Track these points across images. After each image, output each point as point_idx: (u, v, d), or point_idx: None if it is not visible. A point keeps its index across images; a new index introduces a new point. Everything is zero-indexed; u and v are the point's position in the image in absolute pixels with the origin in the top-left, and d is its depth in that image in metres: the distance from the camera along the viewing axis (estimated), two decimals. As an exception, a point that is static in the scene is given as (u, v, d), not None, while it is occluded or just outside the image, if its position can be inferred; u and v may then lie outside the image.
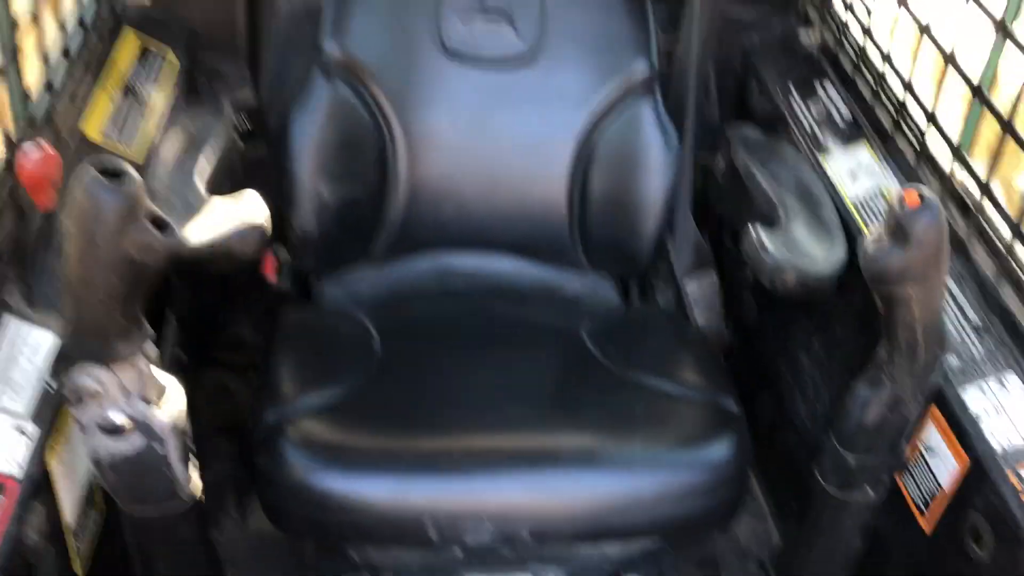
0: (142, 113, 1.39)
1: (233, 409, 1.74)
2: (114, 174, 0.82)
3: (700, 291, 1.54)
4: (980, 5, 1.25)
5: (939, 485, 1.16)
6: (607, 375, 1.39)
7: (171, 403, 0.97)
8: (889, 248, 0.94)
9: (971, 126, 1.32)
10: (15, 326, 1.02)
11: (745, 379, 1.69)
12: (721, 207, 1.65)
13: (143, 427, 0.94)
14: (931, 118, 1.35)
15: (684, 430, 1.28)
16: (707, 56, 1.70)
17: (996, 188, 1.24)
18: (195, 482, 1.03)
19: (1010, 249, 1.20)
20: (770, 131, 1.63)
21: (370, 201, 1.55)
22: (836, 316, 1.41)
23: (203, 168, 1.32)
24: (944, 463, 1.15)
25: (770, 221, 1.39)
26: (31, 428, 0.96)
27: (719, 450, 1.24)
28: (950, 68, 1.31)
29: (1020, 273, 1.18)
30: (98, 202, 0.80)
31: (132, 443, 0.94)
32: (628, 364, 1.40)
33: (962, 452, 1.12)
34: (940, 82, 1.33)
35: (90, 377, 0.90)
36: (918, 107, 1.39)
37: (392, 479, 1.17)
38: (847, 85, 1.57)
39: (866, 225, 1.36)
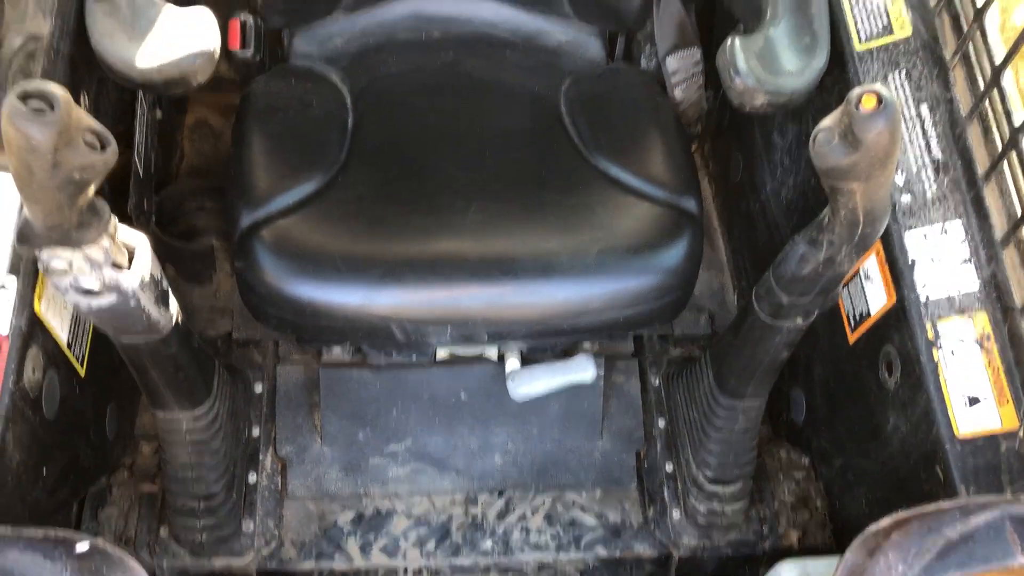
0: None
1: (214, 149, 1.79)
2: (41, 97, 0.80)
3: (681, 66, 1.49)
4: None
5: (868, 310, 1.24)
6: (574, 159, 1.40)
7: (139, 261, 1.03)
8: (839, 146, 0.93)
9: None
10: (-21, 175, 1.04)
11: (723, 139, 1.70)
12: None
13: (114, 288, 1.00)
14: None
15: (640, 235, 1.32)
16: None
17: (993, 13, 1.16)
18: (172, 313, 1.12)
19: (990, 85, 1.16)
20: None
21: None
22: (811, 112, 1.38)
23: None
24: (876, 293, 1.23)
25: (755, 10, 1.31)
26: (12, 281, 1.03)
27: (672, 256, 1.30)
28: None
29: (992, 114, 1.16)
30: (26, 135, 0.80)
31: (107, 299, 1.01)
32: (597, 145, 1.41)
33: (892, 290, 1.19)
34: None
35: (57, 258, 0.95)
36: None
37: (360, 288, 1.25)
38: None
39: (856, 26, 1.29)
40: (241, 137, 1.37)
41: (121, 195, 1.36)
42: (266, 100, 1.43)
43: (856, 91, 0.90)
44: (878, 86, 0.89)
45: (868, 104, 0.89)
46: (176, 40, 1.13)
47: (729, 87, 1.22)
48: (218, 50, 1.16)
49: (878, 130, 0.90)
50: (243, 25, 1.43)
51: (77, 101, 1.17)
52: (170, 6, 1.17)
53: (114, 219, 0.97)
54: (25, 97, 0.80)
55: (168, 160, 1.70)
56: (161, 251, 1.52)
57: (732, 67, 1.21)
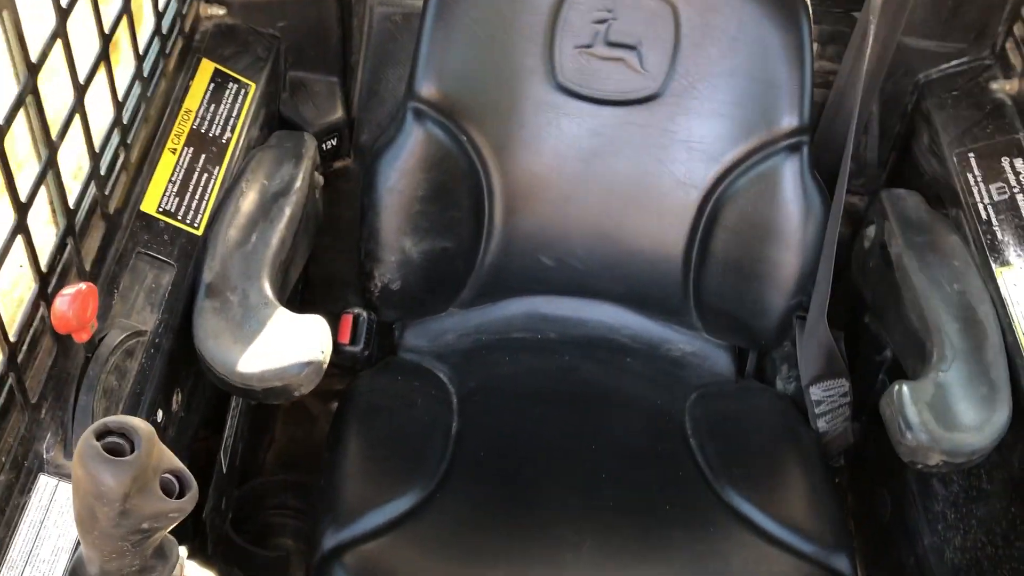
0: (210, 167, 1.24)
1: (308, 436, 1.68)
2: (122, 434, 0.69)
3: (826, 396, 1.34)
4: None
5: None
6: (702, 490, 1.24)
7: None
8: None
9: None
10: (51, 486, 0.93)
11: (867, 470, 1.51)
12: (863, 286, 1.42)
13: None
14: None
15: None
16: (872, 94, 1.42)
17: None
18: None
19: None
20: (935, 201, 1.36)
21: (461, 253, 1.39)
22: (985, 467, 1.20)
23: (275, 244, 1.18)
24: None
25: (919, 351, 1.17)
26: None
27: None
28: None
29: None
30: (96, 479, 0.68)
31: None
32: (729, 476, 1.24)
33: None
34: None
35: (110, 602, 0.81)
36: None
37: None
38: None
39: (1041, 375, 1.13)
40: (337, 441, 1.25)
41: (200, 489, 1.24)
42: (368, 398, 1.32)
43: None
44: None
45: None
46: (284, 347, 1.05)
47: (899, 443, 1.06)
48: (327, 362, 1.07)
49: None
50: (355, 319, 1.36)
51: (170, 401, 1.08)
52: (284, 310, 1.10)
53: (183, 560, 0.83)
54: (103, 434, 0.69)
55: (256, 447, 1.60)
56: (231, 555, 1.37)
57: (902, 420, 1.05)
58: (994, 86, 1.40)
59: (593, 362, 1.45)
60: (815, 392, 1.34)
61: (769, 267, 1.36)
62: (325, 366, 1.07)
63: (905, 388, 1.09)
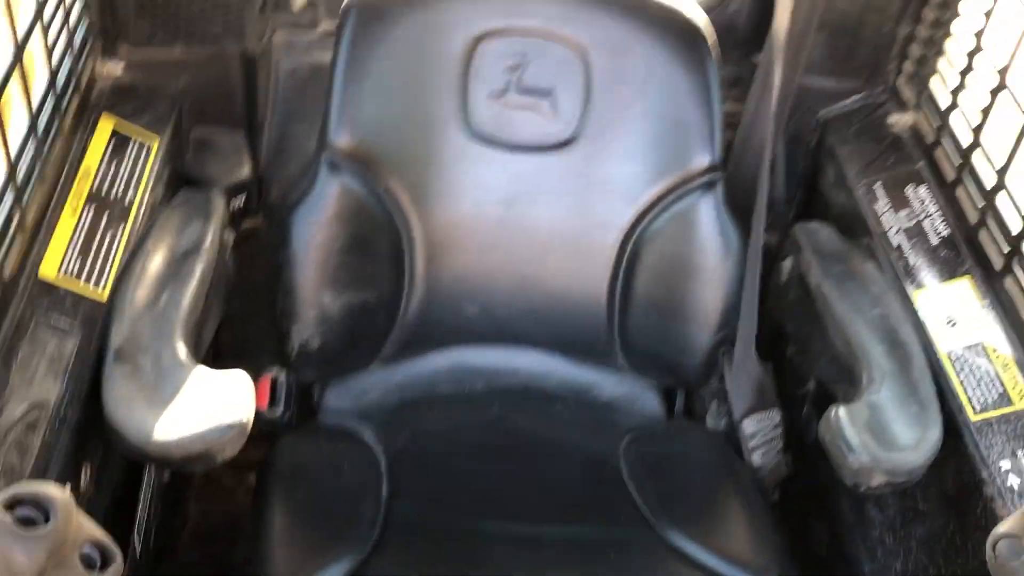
0: (113, 228, 1.17)
1: (224, 512, 1.58)
2: (35, 503, 0.62)
3: (759, 428, 1.34)
4: None
5: None
6: (644, 533, 1.21)
7: None
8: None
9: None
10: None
11: (799, 503, 1.51)
12: (783, 320, 1.43)
13: None
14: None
15: None
16: (778, 131, 1.46)
17: None
18: None
19: None
20: (846, 232, 1.40)
21: (382, 306, 1.35)
22: (919, 488, 1.21)
23: (187, 304, 1.12)
24: None
25: (847, 375, 1.18)
26: None
27: None
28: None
29: None
30: (7, 556, 0.61)
31: None
32: (670, 516, 1.22)
33: None
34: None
35: None
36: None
37: None
38: (946, 192, 1.33)
39: (965, 392, 1.15)
40: (260, 512, 1.18)
41: None
42: (292, 466, 1.25)
43: None
44: None
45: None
46: (204, 408, 0.98)
47: (842, 465, 1.06)
48: (251, 421, 1.00)
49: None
50: (274, 382, 1.30)
51: (78, 476, 0.99)
52: (202, 368, 1.03)
53: None
54: (13, 504, 0.62)
55: (171, 525, 1.49)
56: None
57: (843, 443, 1.05)
58: (891, 120, 1.46)
59: (523, 412, 1.42)
60: (748, 425, 1.33)
61: (692, 304, 1.36)
62: (250, 426, 1.00)
63: (842, 411, 1.09)
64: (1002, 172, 1.21)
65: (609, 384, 1.45)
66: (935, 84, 1.39)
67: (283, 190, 1.47)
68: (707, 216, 1.33)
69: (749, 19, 1.48)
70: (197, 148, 1.40)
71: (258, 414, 1.27)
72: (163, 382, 1.02)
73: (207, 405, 0.99)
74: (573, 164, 1.35)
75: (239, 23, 1.35)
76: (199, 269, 1.17)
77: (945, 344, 1.19)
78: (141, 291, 1.11)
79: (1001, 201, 1.22)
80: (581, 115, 1.32)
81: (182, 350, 1.05)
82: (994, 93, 1.24)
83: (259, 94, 1.43)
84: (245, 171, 1.43)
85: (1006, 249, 1.20)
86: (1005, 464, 1.08)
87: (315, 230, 1.27)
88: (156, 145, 1.28)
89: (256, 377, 1.29)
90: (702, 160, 1.31)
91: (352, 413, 1.38)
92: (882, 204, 1.36)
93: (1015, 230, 1.18)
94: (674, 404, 1.46)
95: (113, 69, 1.31)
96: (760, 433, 1.34)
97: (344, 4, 1.26)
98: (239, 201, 1.44)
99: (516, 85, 1.32)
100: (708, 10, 1.37)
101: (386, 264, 1.33)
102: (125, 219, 1.18)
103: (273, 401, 1.29)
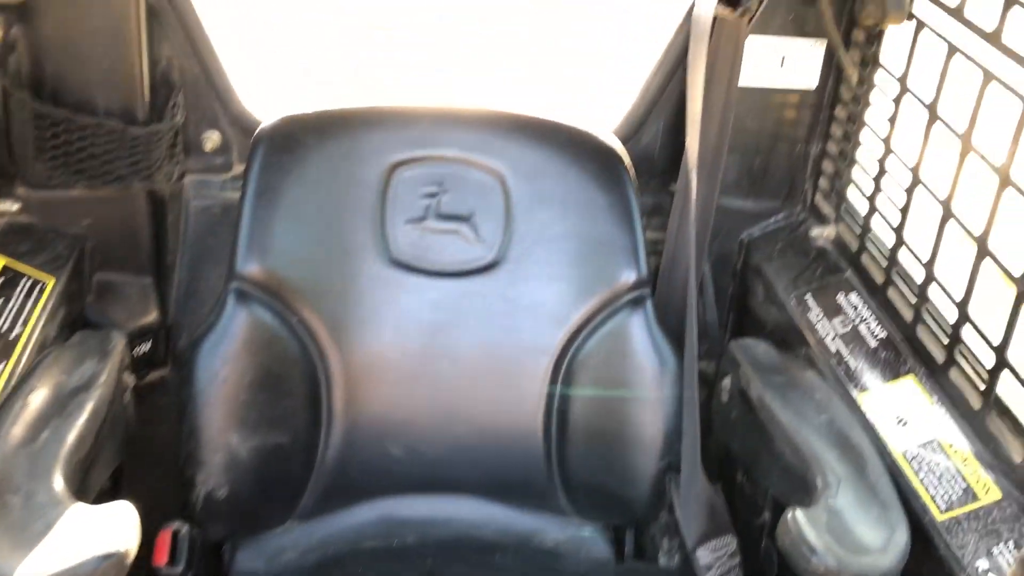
0: None
1: None
2: None
3: (715, 559, 1.22)
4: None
5: None
6: None
7: None
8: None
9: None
10: None
11: None
12: (730, 441, 1.36)
13: None
14: (999, 350, 1.08)
15: None
16: (702, 254, 1.44)
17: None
18: None
19: None
20: (782, 345, 1.35)
21: (297, 449, 1.24)
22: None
23: (71, 441, 1.00)
24: None
25: (801, 484, 1.10)
26: None
27: None
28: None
29: None
30: None
31: None
32: None
33: None
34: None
35: None
36: (978, 335, 1.12)
37: None
38: (877, 296, 1.31)
39: (927, 491, 1.07)
40: None
41: None
42: None
43: None
44: None
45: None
46: (77, 543, 0.85)
47: (806, 570, 0.95)
48: (132, 553, 0.87)
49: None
50: (175, 535, 1.16)
51: None
52: (82, 505, 0.91)
53: None
54: None
55: None
56: None
57: (804, 546, 0.95)
58: (813, 234, 1.45)
59: (460, 565, 1.29)
60: (703, 556, 1.22)
61: (632, 430, 1.29)
62: (130, 559, 0.87)
63: (799, 513, 1.00)
64: (930, 265, 1.19)
65: (552, 529, 1.34)
66: (852, 193, 1.40)
67: (193, 337, 1.39)
68: (639, 334, 1.28)
69: (663, 149, 1.50)
70: (100, 291, 1.32)
71: (156, 571, 1.13)
72: (33, 521, 0.89)
73: (82, 539, 0.86)
74: (498, 288, 1.30)
75: (146, 164, 1.32)
76: (89, 407, 1.06)
77: (899, 444, 1.12)
78: (18, 428, 1.00)
79: (934, 293, 1.20)
80: (503, 238, 1.29)
81: (60, 486, 0.93)
82: (909, 191, 1.24)
83: (168, 236, 1.37)
84: (152, 316, 1.35)
85: (946, 341, 1.16)
86: (983, 564, 0.98)
87: (221, 364, 1.18)
88: (51, 284, 1.20)
89: (155, 530, 1.16)
90: (628, 277, 1.28)
91: (266, 575, 1.23)
92: (815, 313, 1.32)
93: (952, 319, 1.14)
94: (623, 546, 1.35)
95: (9, 207, 1.25)
96: (717, 565, 1.23)
97: (256, 132, 1.24)
98: (144, 347, 1.34)
99: (435, 211, 1.29)
100: (624, 141, 1.38)
101: (301, 402, 1.23)
102: (8, 355, 1.09)
103: (174, 557, 1.14)
